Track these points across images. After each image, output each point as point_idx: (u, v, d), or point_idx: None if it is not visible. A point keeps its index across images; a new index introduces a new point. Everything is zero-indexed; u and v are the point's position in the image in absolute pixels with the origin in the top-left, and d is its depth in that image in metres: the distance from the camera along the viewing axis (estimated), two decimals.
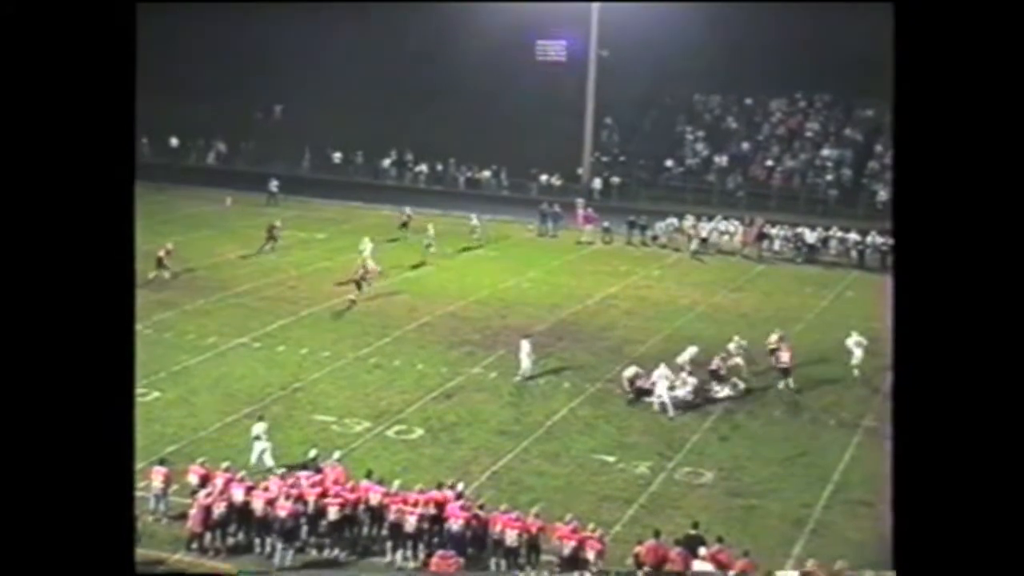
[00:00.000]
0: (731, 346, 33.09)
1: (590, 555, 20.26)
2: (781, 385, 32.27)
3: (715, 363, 31.76)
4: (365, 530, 22.19)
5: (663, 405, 29.89)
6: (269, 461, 24.69)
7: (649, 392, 30.52)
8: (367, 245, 44.60)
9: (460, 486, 22.58)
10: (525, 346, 32.69)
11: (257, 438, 25.27)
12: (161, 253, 40.92)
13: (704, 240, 51.43)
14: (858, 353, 33.36)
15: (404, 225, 50.89)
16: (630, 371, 31.31)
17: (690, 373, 31.13)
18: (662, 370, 30.54)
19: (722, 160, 64.94)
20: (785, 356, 32.59)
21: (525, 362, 32.37)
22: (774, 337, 33.70)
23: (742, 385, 31.61)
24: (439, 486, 22.43)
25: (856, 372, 33.06)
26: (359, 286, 40.13)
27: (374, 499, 22.00)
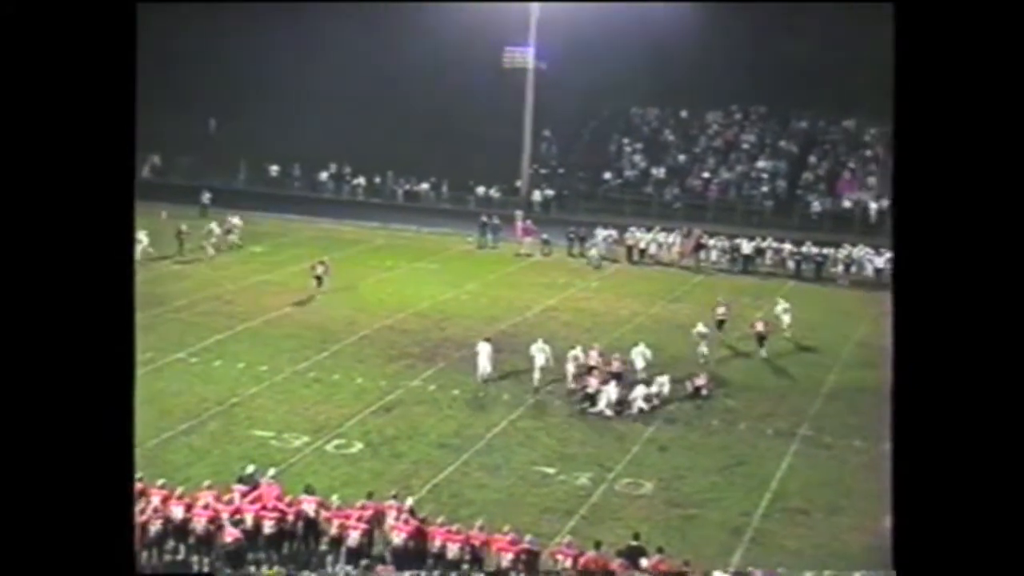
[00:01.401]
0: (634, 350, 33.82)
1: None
2: (764, 354, 36.37)
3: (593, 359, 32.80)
4: (303, 544, 22.06)
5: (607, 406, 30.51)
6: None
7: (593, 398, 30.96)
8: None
9: (409, 501, 22.55)
10: (485, 348, 33.01)
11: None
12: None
13: (643, 251, 51.83)
14: (639, 363, 33.37)
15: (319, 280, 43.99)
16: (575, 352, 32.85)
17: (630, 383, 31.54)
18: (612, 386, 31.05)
19: (659, 172, 65.48)
20: (759, 325, 37.15)
21: (484, 365, 32.70)
22: (721, 310, 38.65)
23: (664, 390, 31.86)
24: (370, 496, 22.47)
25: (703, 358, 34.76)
26: (320, 281, 41.92)
27: (310, 512, 21.90)
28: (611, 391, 30.80)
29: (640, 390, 31.23)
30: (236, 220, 51.71)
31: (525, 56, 62.90)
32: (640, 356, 33.66)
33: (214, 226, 50.16)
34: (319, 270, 43.19)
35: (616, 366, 32.64)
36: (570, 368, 32.69)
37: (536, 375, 32.50)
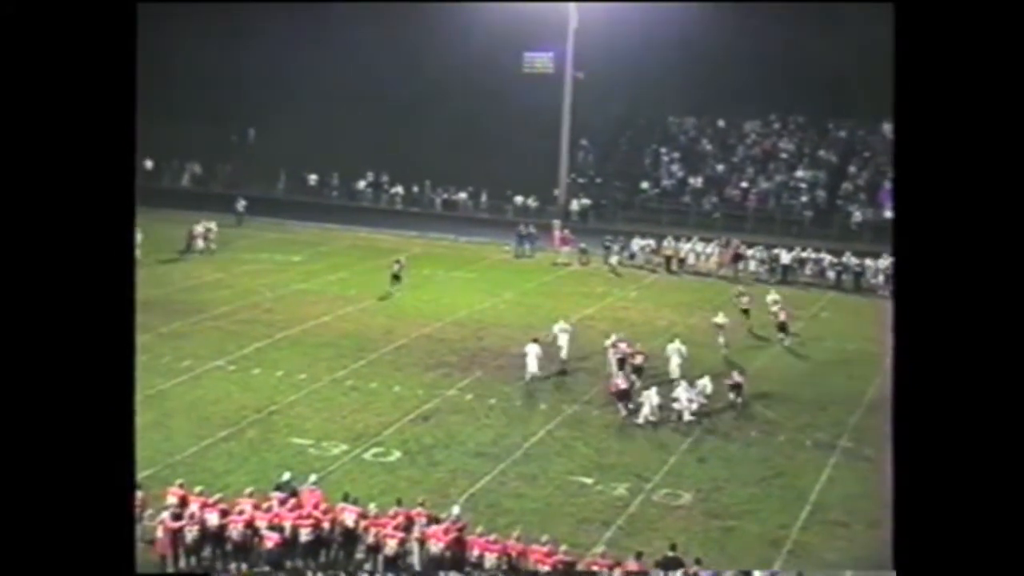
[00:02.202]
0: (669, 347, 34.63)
1: None
2: (787, 343, 38.22)
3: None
4: (341, 552, 22.11)
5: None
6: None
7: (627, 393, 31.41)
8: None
9: (456, 509, 22.66)
10: (533, 348, 33.54)
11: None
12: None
13: (681, 261, 51.72)
14: (675, 360, 34.17)
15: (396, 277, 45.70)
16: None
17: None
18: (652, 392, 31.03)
19: (697, 182, 65.23)
20: (781, 315, 39.24)
21: (532, 365, 33.28)
22: (745, 299, 41.27)
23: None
24: (399, 503, 22.74)
25: (676, 373, 33.67)
26: (397, 279, 43.85)
27: (348, 520, 21.96)
28: (652, 397, 30.69)
29: (682, 391, 31.04)
30: (212, 225, 52.24)
31: (544, 61, 62.93)
32: (676, 353, 34.26)
33: (200, 227, 51.29)
34: (395, 268, 44.62)
35: (640, 360, 33.53)
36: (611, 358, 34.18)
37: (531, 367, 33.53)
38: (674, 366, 33.86)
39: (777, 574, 21.83)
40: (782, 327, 39.45)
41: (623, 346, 34.27)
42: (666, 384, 32.27)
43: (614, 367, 33.61)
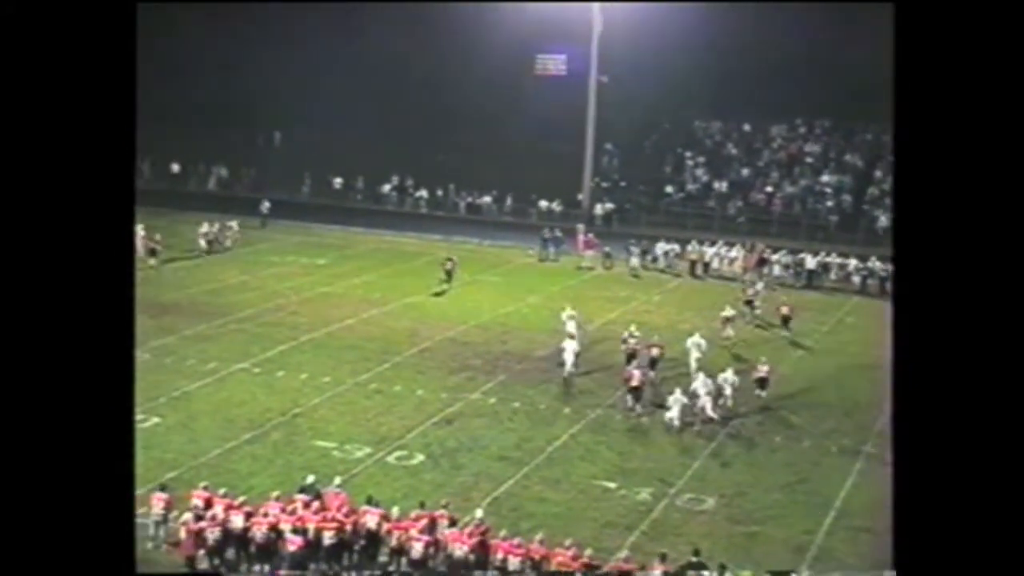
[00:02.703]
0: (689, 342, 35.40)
1: None
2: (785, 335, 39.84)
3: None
4: (364, 555, 22.13)
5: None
6: None
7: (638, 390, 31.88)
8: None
9: (479, 513, 22.74)
10: (571, 345, 34.18)
11: None
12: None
13: (706, 265, 51.63)
14: (695, 354, 34.83)
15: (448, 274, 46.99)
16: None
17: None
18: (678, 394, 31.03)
19: (722, 186, 65.04)
20: (785, 309, 41.19)
21: (570, 360, 33.93)
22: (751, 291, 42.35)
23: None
24: (422, 505, 22.77)
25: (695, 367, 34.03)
26: (449, 276, 45.50)
27: (372, 523, 21.99)
28: (679, 399, 30.63)
29: (700, 384, 31.22)
30: (234, 224, 53.52)
31: (557, 62, 62.82)
32: (695, 347, 34.83)
33: (205, 226, 52.20)
34: (448, 265, 46.30)
35: (656, 352, 34.47)
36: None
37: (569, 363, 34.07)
38: (693, 360, 34.44)
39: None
40: (785, 320, 40.97)
41: (632, 341, 35.09)
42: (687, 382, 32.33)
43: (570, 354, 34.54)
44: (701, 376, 31.80)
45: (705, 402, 30.81)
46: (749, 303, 43.05)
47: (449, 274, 46.21)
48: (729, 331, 39.25)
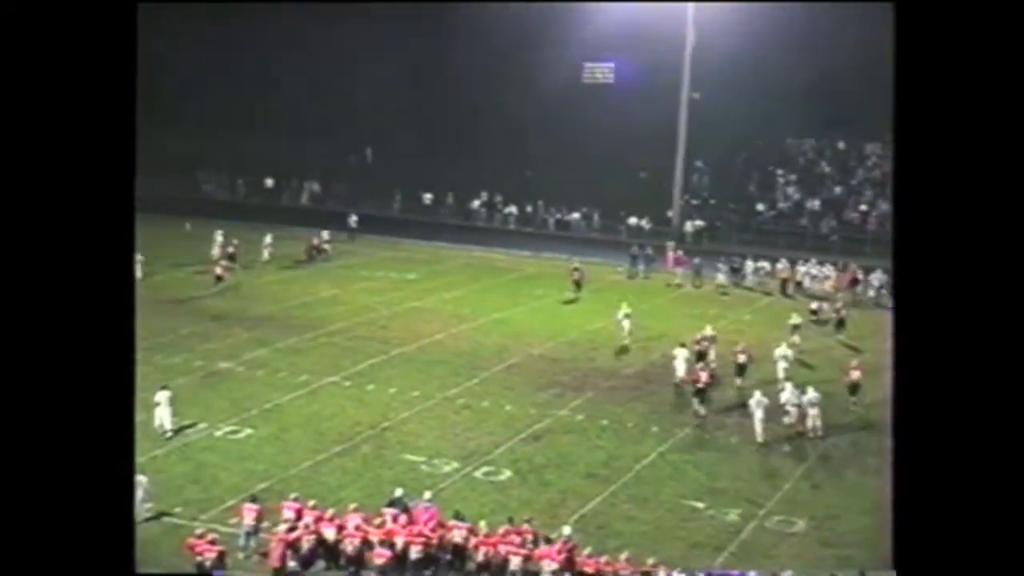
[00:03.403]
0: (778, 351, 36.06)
1: None
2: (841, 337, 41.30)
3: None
4: (450, 570, 22.20)
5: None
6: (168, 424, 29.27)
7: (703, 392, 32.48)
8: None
9: (567, 530, 22.72)
10: (682, 352, 34.91)
11: (158, 404, 29.20)
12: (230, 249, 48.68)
13: (798, 284, 51.05)
14: (782, 364, 35.39)
15: (577, 284, 48.70)
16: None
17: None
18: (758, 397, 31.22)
19: (815, 204, 64.27)
20: (843, 312, 42.85)
21: (680, 369, 34.53)
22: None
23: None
24: (511, 521, 22.83)
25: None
26: (579, 286, 47.43)
27: (458, 538, 22.06)
28: (761, 402, 30.75)
29: (788, 394, 31.43)
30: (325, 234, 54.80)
31: (605, 71, 62.54)
32: (783, 358, 35.42)
33: (268, 237, 53.26)
34: (576, 276, 48.32)
35: (742, 358, 35.17)
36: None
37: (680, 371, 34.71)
38: (780, 370, 35.00)
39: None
40: (840, 323, 42.70)
41: (705, 342, 36.26)
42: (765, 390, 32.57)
43: (693, 360, 35.06)
44: (788, 386, 32.04)
45: (791, 411, 31.05)
46: (814, 313, 44.63)
47: (578, 284, 47.91)
48: (796, 338, 39.46)
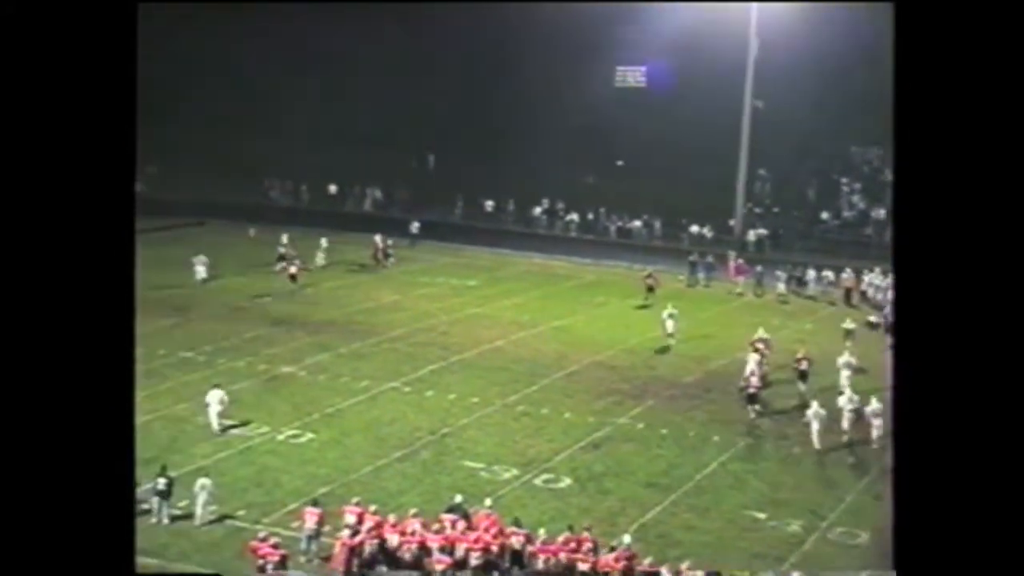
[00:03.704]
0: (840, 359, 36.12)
1: None
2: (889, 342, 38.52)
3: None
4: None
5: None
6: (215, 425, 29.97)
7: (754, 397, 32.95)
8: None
9: (627, 539, 22.75)
10: (754, 357, 35.21)
11: (208, 404, 30.05)
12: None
13: (862, 294, 50.50)
14: (845, 373, 35.41)
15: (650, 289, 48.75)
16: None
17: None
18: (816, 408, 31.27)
19: (879, 213, 63.53)
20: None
21: (752, 369, 34.45)
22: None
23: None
24: (570, 528, 22.89)
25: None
26: (652, 291, 47.43)
27: (517, 545, 22.09)
28: (818, 412, 30.77)
29: (845, 400, 31.56)
30: (390, 241, 55.20)
31: (636, 75, 62.17)
32: (846, 366, 35.43)
33: (323, 241, 53.76)
34: (649, 281, 48.41)
35: (804, 365, 35.28)
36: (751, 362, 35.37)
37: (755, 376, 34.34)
38: (844, 378, 34.87)
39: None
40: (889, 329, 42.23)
41: (762, 346, 36.37)
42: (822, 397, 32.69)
43: (751, 365, 34.96)
44: (847, 392, 32.14)
45: (848, 418, 31.17)
46: (869, 322, 44.72)
47: (651, 289, 47.93)
48: (848, 343, 39.40)
